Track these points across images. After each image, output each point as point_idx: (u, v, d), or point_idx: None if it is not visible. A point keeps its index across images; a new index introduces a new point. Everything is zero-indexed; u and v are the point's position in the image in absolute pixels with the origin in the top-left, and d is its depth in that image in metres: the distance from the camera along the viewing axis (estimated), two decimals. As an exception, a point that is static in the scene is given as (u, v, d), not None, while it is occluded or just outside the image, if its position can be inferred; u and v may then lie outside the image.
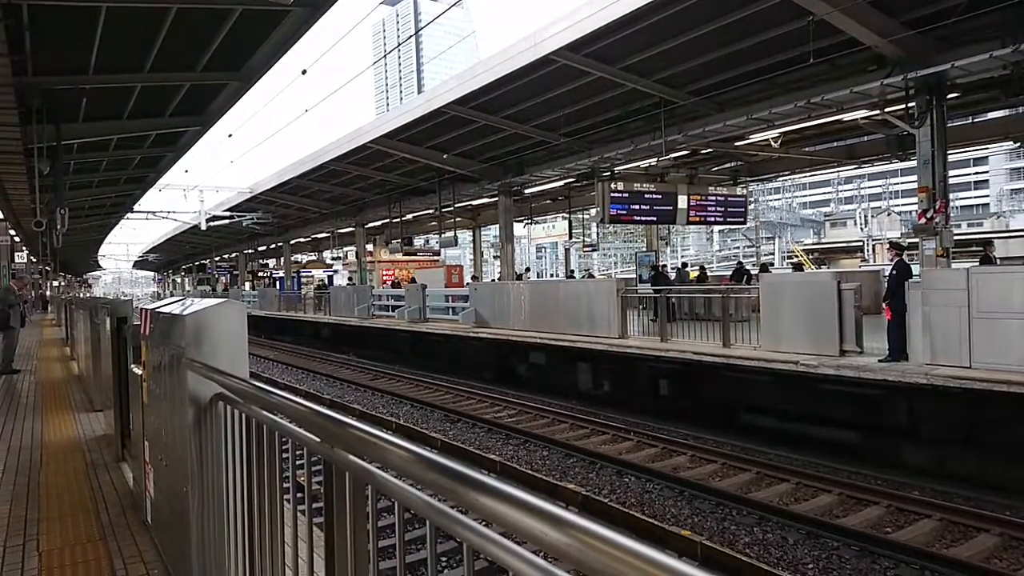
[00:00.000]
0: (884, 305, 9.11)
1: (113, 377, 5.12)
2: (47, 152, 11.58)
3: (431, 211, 25.63)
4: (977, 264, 11.48)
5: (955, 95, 11.32)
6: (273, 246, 43.65)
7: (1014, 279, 8.02)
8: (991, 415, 7.80)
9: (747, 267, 21.93)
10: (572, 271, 32.14)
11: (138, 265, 79.38)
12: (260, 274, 48.25)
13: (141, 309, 3.63)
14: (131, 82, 10.95)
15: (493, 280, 29.14)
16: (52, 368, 11.82)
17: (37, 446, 5.91)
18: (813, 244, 54.20)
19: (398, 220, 27.26)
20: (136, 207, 28.63)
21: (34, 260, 35.16)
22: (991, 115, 15.44)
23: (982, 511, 6.87)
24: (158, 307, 3.27)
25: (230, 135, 21.98)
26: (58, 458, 5.47)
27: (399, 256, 28.89)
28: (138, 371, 3.79)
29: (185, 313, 2.68)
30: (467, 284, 23.89)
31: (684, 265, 25.47)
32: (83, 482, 4.76)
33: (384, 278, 29.15)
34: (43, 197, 13.56)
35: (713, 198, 18.08)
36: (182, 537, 2.73)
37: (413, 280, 25.51)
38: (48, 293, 42.67)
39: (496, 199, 22.03)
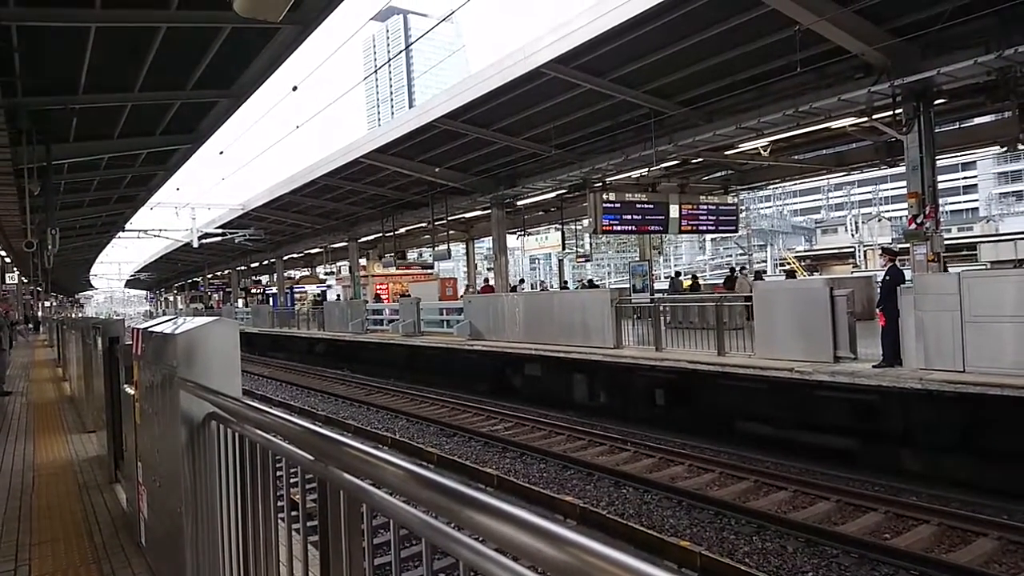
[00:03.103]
0: (877, 311, 9.12)
1: (105, 397, 5.08)
2: (37, 172, 11.53)
3: (424, 224, 25.67)
4: (968, 268, 11.53)
5: (942, 101, 11.42)
6: (266, 262, 43.54)
7: (1005, 283, 8.05)
8: (986, 419, 7.81)
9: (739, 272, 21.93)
10: (566, 282, 32.18)
11: (130, 284, 79.06)
12: (253, 291, 48.05)
13: (133, 328, 3.60)
14: (121, 101, 10.93)
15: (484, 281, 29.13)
16: (44, 389, 11.71)
17: (29, 468, 5.85)
18: (805, 251, 54.56)
19: (391, 234, 27.28)
20: (128, 226, 28.54)
21: (25, 281, 34.97)
22: (978, 120, 15.60)
23: (980, 515, 6.87)
24: (150, 326, 3.24)
25: (221, 152, 22.01)
26: (50, 480, 5.40)
27: (393, 270, 28.85)
28: (130, 391, 3.76)
29: (177, 332, 2.67)
30: (461, 296, 23.87)
31: (677, 274, 25.58)
32: (76, 504, 4.71)
33: (377, 291, 29.07)
34: (34, 217, 13.50)
35: (704, 207, 18.14)
36: (177, 559, 2.70)
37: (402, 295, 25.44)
38: (40, 314, 42.47)
39: (489, 211, 22.08)
